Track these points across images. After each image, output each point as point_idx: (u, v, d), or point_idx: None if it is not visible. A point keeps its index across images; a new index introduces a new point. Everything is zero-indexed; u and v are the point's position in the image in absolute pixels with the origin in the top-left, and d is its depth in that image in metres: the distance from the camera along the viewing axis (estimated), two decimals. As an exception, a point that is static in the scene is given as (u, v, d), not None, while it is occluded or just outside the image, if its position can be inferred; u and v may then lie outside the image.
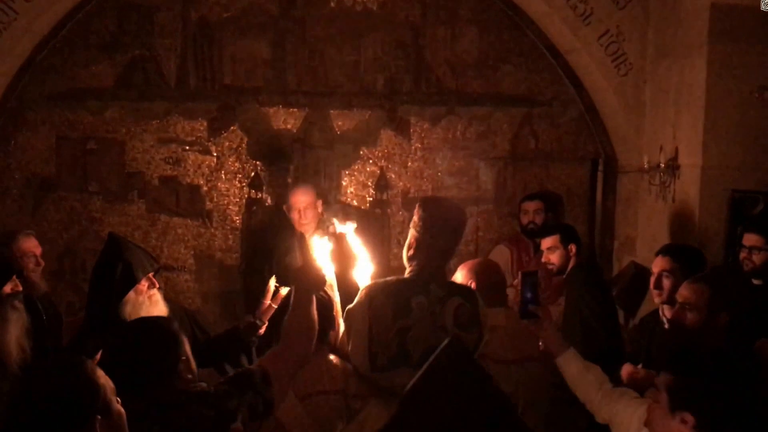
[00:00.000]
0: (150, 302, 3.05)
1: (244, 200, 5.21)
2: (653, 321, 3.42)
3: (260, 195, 5.21)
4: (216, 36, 5.12)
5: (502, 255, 4.88)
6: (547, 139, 5.27)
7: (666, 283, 3.27)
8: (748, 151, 4.01)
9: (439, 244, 2.70)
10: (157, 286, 3.10)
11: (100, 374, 1.77)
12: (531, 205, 4.84)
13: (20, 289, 3.01)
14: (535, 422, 2.77)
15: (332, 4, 5.10)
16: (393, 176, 5.27)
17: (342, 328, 2.77)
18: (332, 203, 5.07)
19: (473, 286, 2.97)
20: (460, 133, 5.25)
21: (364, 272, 2.92)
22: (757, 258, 3.39)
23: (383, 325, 2.60)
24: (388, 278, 2.77)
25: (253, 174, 5.20)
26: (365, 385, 2.63)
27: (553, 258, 3.98)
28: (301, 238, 4.05)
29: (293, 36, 5.13)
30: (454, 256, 2.93)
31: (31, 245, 3.72)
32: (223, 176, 5.21)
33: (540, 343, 2.86)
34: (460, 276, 3.12)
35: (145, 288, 3.03)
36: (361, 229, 4.99)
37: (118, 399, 1.80)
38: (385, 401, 2.53)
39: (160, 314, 3.06)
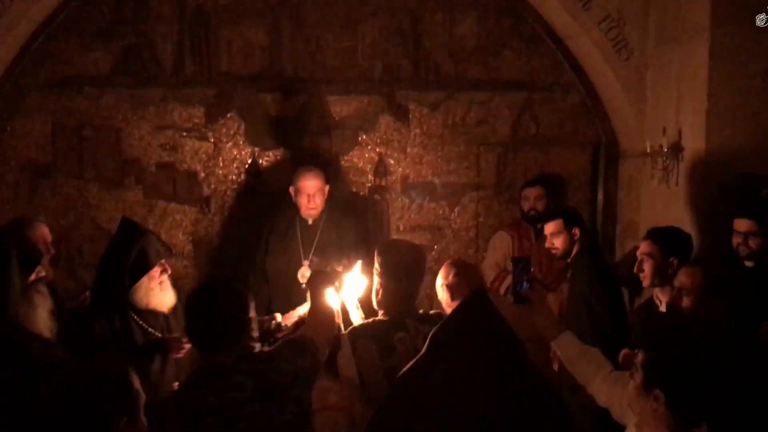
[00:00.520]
0: (160, 288, 3.06)
1: (241, 187, 5.17)
2: (649, 305, 3.43)
3: (258, 181, 5.16)
4: (212, 22, 5.06)
5: (502, 241, 4.86)
6: (547, 124, 5.22)
7: (646, 266, 3.28)
8: (753, 134, 3.98)
9: (403, 286, 2.82)
10: (170, 272, 3.10)
11: (137, 383, 1.91)
12: (532, 192, 4.81)
13: (44, 274, 3.01)
14: None
15: (330, -11, 5.06)
16: (392, 162, 5.23)
17: None
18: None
19: (453, 277, 2.90)
20: (460, 118, 5.20)
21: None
22: (753, 243, 3.35)
23: (371, 368, 2.65)
24: (365, 321, 2.85)
25: (250, 160, 5.16)
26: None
27: (557, 242, 3.93)
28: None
29: (290, 22, 5.07)
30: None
31: (45, 233, 3.74)
32: (220, 163, 5.17)
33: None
34: (441, 276, 3.02)
35: (157, 274, 3.05)
36: (360, 216, 5.04)
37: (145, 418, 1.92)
38: None
39: (170, 301, 3.08)
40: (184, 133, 5.13)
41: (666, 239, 3.32)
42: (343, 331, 2.77)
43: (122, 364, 1.92)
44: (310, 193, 4.32)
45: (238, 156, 5.17)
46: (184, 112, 5.12)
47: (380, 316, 2.84)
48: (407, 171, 5.23)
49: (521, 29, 5.12)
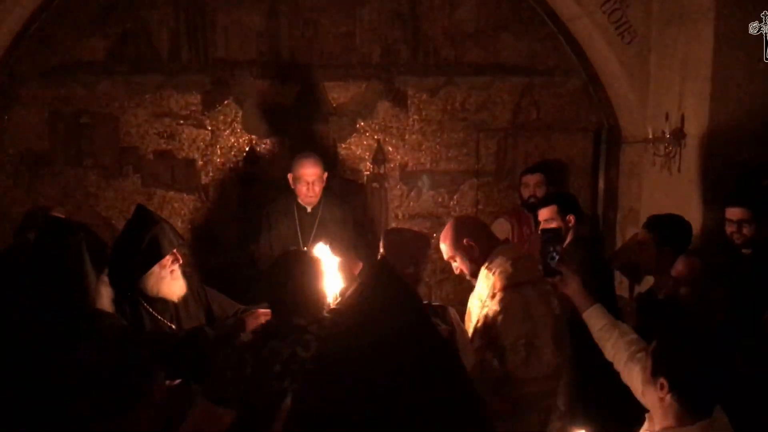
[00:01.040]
0: (171, 277, 3.04)
1: (239, 175, 5.13)
2: (650, 293, 3.39)
3: (256, 169, 5.12)
4: (208, 8, 5.00)
5: (502, 228, 4.80)
6: (548, 109, 5.13)
7: (641, 254, 3.28)
8: (756, 120, 3.90)
9: (408, 273, 2.83)
10: (181, 261, 3.08)
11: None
12: (532, 179, 4.74)
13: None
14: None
15: (326, -26, 4.97)
16: (390, 149, 5.18)
17: None
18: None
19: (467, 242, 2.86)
20: (459, 104, 5.13)
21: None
22: (747, 230, 3.38)
23: None
24: None
25: (248, 148, 5.12)
26: None
27: (551, 230, 3.87)
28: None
29: (287, 7, 5.00)
30: None
31: None
32: (218, 150, 5.13)
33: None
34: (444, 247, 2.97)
35: (169, 262, 3.02)
36: (358, 203, 4.99)
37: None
38: None
39: (179, 290, 3.08)
40: (182, 121, 5.10)
41: (661, 228, 3.29)
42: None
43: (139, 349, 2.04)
44: (309, 181, 4.28)
45: (235, 144, 5.13)
46: (181, 99, 5.08)
47: None
48: (406, 158, 5.18)
49: (521, 12, 5.03)
